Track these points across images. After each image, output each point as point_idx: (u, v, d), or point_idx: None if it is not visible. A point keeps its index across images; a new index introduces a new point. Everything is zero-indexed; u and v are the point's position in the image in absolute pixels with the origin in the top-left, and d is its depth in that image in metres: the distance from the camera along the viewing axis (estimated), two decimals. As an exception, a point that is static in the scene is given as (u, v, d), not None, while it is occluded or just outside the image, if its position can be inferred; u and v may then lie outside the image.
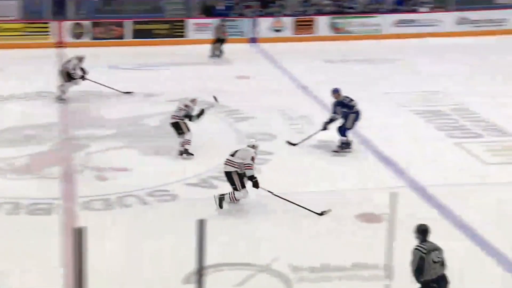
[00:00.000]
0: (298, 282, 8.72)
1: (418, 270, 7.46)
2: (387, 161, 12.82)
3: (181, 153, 12.97)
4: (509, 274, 9.02)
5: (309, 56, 21.35)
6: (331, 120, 13.32)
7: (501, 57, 21.17)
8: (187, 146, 12.94)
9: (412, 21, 24.45)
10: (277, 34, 21.03)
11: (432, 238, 7.57)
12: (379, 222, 9.83)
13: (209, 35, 21.88)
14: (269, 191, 10.66)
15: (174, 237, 9.61)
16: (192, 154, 12.95)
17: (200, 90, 15.52)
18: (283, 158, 13.00)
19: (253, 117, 15.20)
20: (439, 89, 17.46)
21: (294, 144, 13.55)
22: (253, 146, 10.93)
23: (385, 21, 24.25)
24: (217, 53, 21.17)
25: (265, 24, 23.60)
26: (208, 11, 24.38)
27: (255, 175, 10.64)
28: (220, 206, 10.69)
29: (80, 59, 16.28)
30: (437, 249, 7.57)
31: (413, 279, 7.51)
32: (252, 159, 10.67)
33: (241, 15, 24.29)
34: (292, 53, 21.27)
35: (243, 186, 10.66)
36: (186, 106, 13.02)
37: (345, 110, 13.17)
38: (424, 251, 7.45)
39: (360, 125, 13.40)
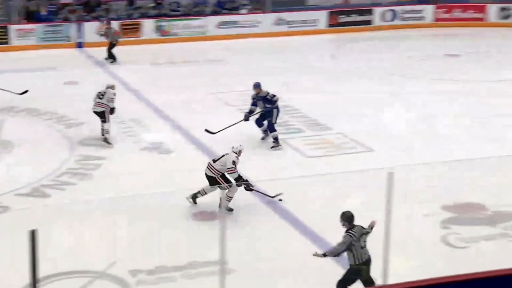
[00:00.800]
0: (137, 285, 8.63)
1: (341, 252, 7.88)
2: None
3: (104, 140, 13.46)
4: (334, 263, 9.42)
5: (137, 59, 21.19)
6: (251, 112, 13.71)
7: (316, 56, 22.15)
8: (107, 135, 13.46)
9: (234, 22, 24.91)
10: (104, 39, 20.65)
11: (266, 234, 7.73)
12: (212, 219, 9.97)
13: (34, 41, 21.11)
14: (264, 194, 10.80)
15: (7, 250, 9.18)
16: (111, 143, 13.42)
17: (29, 97, 14.91)
18: (117, 161, 12.81)
19: (83, 123, 14.79)
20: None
21: (213, 133, 13.56)
22: (239, 152, 10.70)
23: (209, 23, 24.52)
24: (112, 57, 20.63)
25: (90, 28, 23.10)
26: (31, 16, 23.48)
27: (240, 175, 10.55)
28: (194, 202, 10.64)
29: None
30: (364, 233, 7.92)
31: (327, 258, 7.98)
32: (233, 163, 10.49)
33: (66, 19, 23.61)
34: (120, 56, 20.97)
35: (229, 182, 10.56)
36: (115, 95, 13.71)
37: (268, 105, 13.51)
38: (355, 238, 7.79)
39: (190, 126, 13.46)
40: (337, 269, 8.29)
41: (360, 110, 16.02)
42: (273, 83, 18.16)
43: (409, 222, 10.03)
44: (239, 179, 10.59)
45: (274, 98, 13.61)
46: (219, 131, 13.63)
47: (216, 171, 10.62)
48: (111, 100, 13.63)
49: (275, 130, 13.63)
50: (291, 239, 9.83)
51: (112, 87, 13.87)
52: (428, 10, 26.88)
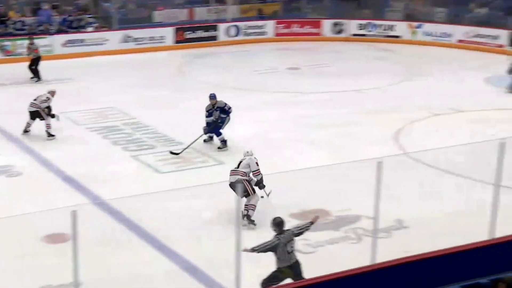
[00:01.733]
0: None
1: (263, 251, 8.24)
2: (70, 180, 12.60)
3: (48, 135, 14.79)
4: (185, 272, 9.45)
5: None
6: (209, 124, 14.34)
7: (164, 72, 22.11)
8: (49, 130, 14.79)
9: (81, 40, 24.31)
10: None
11: (120, 251, 7.62)
12: (64, 241, 9.66)
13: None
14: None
15: None
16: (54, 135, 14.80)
17: None
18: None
19: None
20: (112, 105, 17.62)
21: (176, 154, 13.89)
22: (252, 154, 11.18)
23: (55, 42, 23.77)
24: (36, 75, 20.20)
25: None
26: None
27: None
28: (253, 223, 10.60)
29: None
30: (292, 239, 8.20)
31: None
32: (257, 164, 10.96)
33: None
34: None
35: (254, 191, 10.80)
36: (48, 98, 15.00)
37: (223, 115, 14.34)
38: (282, 242, 8.17)
39: (41, 147, 13.01)
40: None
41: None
42: (123, 100, 18.05)
43: (259, 231, 10.26)
44: (262, 180, 11.00)
45: (230, 110, 14.42)
46: (183, 151, 14.00)
47: (243, 173, 10.85)
48: (44, 101, 14.93)
49: (221, 133, 14.35)
50: (145, 253, 9.77)
51: (51, 92, 15.25)
52: (269, 26, 27.59)
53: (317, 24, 27.97)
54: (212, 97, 14.52)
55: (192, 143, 14.19)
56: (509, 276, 6.60)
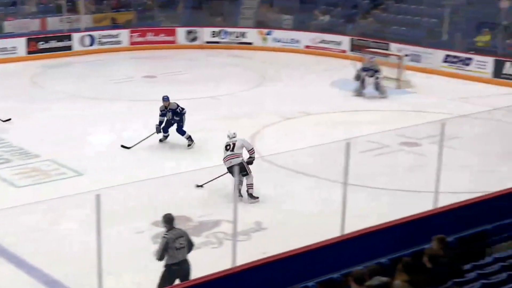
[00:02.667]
0: None
1: (162, 255, 8.23)
2: None
3: None
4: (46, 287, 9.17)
5: None
6: (161, 123, 14.86)
7: (17, 83, 21.24)
8: None
9: None
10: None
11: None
12: None
13: None
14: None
15: None
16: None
17: None
18: None
19: None
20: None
21: (128, 148, 14.38)
22: (234, 134, 12.12)
23: None
24: None
25: None
26: None
27: None
28: (256, 198, 11.62)
29: None
30: (181, 235, 8.13)
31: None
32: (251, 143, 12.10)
33: None
34: None
35: (250, 170, 11.69)
36: None
37: (177, 118, 14.91)
38: (170, 239, 8.08)
39: None
40: None
41: (67, 135, 15.77)
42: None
43: (122, 240, 10.12)
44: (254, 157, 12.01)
45: (183, 111, 14.98)
46: (134, 145, 14.44)
47: (240, 154, 11.71)
48: None
49: (185, 131, 14.92)
50: (2, 269, 9.38)
51: None
52: (124, 35, 27.22)
53: (171, 32, 27.95)
54: (165, 99, 14.99)
55: (144, 139, 14.65)
56: (357, 270, 6.91)
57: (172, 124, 15.11)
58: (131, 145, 14.60)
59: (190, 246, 8.58)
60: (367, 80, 20.11)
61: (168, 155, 14.74)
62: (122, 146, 14.64)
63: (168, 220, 8.46)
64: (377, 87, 20.10)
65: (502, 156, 13.51)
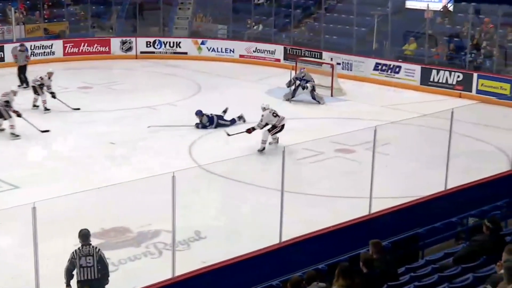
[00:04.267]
0: None
1: (67, 271, 7.92)
2: None
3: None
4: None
5: None
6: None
7: None
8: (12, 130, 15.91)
9: None
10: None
11: None
12: None
13: None
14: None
15: None
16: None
17: None
18: None
19: None
20: None
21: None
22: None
23: None
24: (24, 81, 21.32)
25: None
26: None
27: None
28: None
29: None
30: (90, 255, 7.71)
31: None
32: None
33: None
34: None
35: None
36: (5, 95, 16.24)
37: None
38: (75, 255, 7.80)
39: None
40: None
41: (0, 148, 15.39)
42: None
43: (61, 253, 9.91)
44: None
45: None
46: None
47: None
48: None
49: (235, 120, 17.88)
50: None
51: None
52: (57, 45, 26.75)
53: (105, 43, 27.61)
54: (199, 113, 17.42)
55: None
56: (295, 277, 6.99)
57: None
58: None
59: (103, 267, 8.06)
60: (300, 89, 20.47)
61: (106, 166, 14.54)
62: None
63: (82, 235, 8.07)
64: (313, 96, 20.43)
65: (432, 161, 13.87)
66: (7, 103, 16.29)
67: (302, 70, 20.96)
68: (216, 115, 17.74)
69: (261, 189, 12.84)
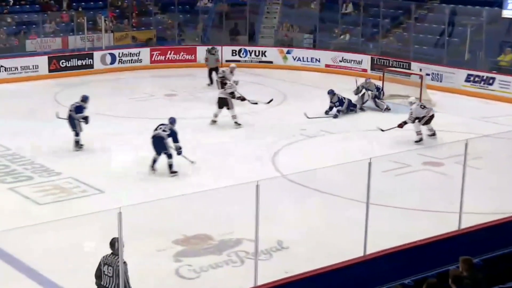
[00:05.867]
0: None
1: (95, 275, 8.14)
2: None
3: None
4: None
5: None
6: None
7: (39, 101, 21.45)
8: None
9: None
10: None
11: None
12: None
13: None
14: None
15: None
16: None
17: None
18: None
19: None
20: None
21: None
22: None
23: None
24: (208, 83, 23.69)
25: None
26: None
27: None
28: None
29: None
30: (110, 264, 7.87)
31: None
32: None
33: None
34: None
35: None
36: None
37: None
38: (101, 262, 8.02)
39: None
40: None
41: (88, 153, 15.86)
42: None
43: (143, 258, 10.12)
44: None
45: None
46: (315, 117, 18.14)
47: None
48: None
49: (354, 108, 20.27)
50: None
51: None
52: (145, 53, 27.45)
53: (192, 51, 28.12)
54: (330, 92, 19.61)
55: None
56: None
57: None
58: (312, 116, 17.62)
59: (120, 279, 7.90)
60: (366, 96, 20.94)
61: (189, 173, 14.75)
62: (306, 115, 18.16)
63: (110, 244, 8.14)
64: (376, 103, 20.82)
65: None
66: (232, 94, 18.28)
67: (367, 80, 21.30)
68: (349, 100, 19.72)
69: (346, 200, 12.71)
